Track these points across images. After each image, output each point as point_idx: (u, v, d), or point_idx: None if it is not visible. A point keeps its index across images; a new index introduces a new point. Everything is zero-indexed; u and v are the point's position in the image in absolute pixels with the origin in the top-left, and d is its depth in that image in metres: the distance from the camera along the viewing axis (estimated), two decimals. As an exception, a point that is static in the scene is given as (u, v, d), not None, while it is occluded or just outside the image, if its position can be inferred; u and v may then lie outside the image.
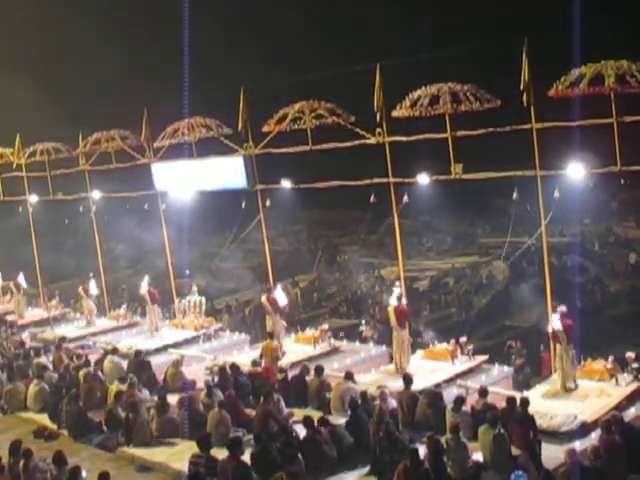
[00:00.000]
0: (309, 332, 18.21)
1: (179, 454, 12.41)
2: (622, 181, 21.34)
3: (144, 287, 20.05)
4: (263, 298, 17.80)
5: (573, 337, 13.39)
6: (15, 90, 39.01)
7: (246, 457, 11.14)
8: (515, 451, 10.72)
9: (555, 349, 13.97)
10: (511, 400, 11.86)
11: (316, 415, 12.31)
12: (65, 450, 11.47)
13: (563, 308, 13.61)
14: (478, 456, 10.86)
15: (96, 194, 23.56)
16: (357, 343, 18.55)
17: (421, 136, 15.72)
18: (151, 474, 12.27)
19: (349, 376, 13.84)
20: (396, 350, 15.22)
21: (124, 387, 14.28)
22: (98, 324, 21.79)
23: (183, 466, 11.68)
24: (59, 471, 10.77)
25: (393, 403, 12.71)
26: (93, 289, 22.26)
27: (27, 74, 41.19)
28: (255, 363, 15.37)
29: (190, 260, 27.00)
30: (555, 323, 13.46)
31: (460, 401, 12.02)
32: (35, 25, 42.77)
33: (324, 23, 44.65)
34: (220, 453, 11.12)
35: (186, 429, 12.94)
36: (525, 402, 11.62)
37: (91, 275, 23.87)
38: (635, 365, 13.40)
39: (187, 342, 19.17)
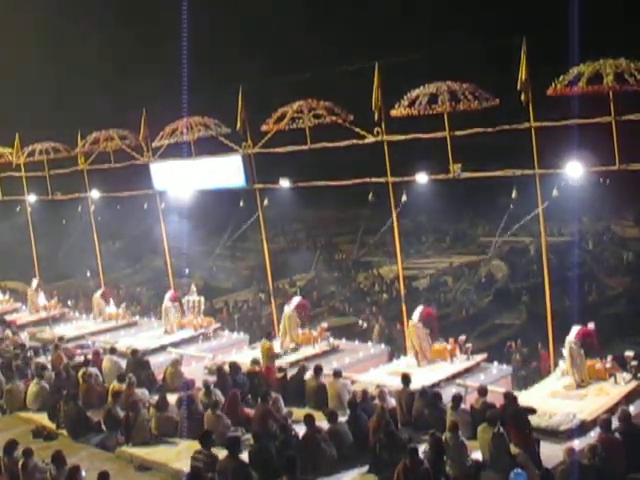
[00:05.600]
0: (308, 331, 18.17)
1: (178, 453, 12.42)
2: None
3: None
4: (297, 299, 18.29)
5: (583, 340, 13.51)
6: (14, 90, 39.01)
7: (244, 456, 11.13)
8: (514, 450, 10.72)
9: (554, 350, 14.05)
10: (508, 395, 11.88)
11: (315, 414, 12.30)
12: (64, 450, 11.44)
13: (591, 325, 13.74)
14: (477, 455, 10.86)
15: (95, 194, 23.57)
16: (356, 342, 18.54)
17: (419, 135, 15.72)
18: (150, 473, 12.26)
19: (338, 374, 13.89)
20: (417, 345, 15.35)
21: (123, 386, 14.29)
22: (97, 324, 21.77)
23: (182, 465, 11.70)
24: (58, 471, 10.75)
25: (392, 402, 12.72)
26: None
27: (26, 74, 41.20)
28: (255, 362, 15.37)
29: (188, 259, 27.01)
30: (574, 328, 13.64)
31: (458, 399, 12.03)
32: (35, 25, 42.75)
33: (323, 22, 44.63)
34: (219, 452, 11.11)
35: (185, 428, 12.94)
36: (512, 399, 11.63)
37: (89, 275, 23.88)
38: (634, 364, 13.41)
39: (186, 341, 19.18)
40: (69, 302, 26.94)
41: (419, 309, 15.82)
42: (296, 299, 18.30)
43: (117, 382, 14.46)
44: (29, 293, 24.20)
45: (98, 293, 22.53)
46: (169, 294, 20.26)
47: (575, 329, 13.59)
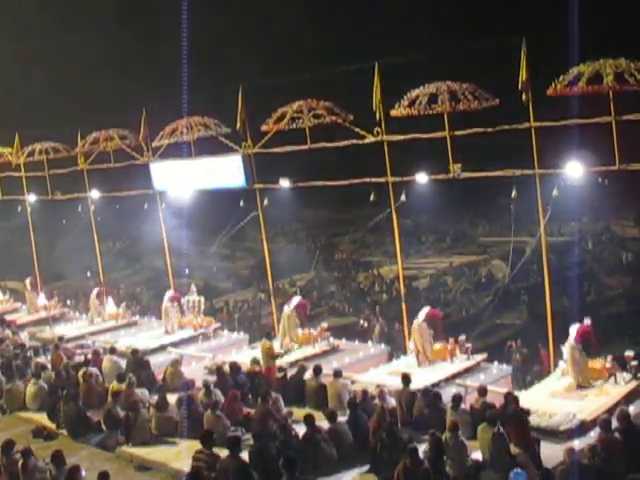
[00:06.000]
0: (308, 331, 18.16)
1: (178, 453, 12.42)
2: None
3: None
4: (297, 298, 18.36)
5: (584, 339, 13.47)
6: (14, 89, 39.02)
7: (244, 456, 11.12)
8: (514, 450, 10.72)
9: (554, 349, 14.05)
10: (508, 396, 11.87)
11: (314, 414, 12.30)
12: (64, 450, 11.44)
13: (588, 321, 13.73)
14: (477, 455, 10.86)
15: (95, 194, 23.56)
16: (356, 342, 18.54)
17: (419, 135, 15.72)
18: (150, 473, 12.26)
19: (338, 374, 13.88)
20: (419, 344, 15.32)
21: (123, 386, 14.29)
22: (97, 324, 21.76)
23: (182, 465, 11.70)
24: (58, 470, 10.75)
25: (392, 402, 12.72)
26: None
27: (26, 73, 41.22)
28: (255, 362, 15.37)
29: (188, 259, 27.01)
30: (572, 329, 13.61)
31: (458, 399, 12.04)
32: (35, 25, 42.78)
33: (323, 22, 44.62)
34: (219, 452, 11.11)
35: (185, 428, 12.94)
36: (513, 399, 11.65)
37: (89, 275, 23.81)
38: (634, 364, 13.41)
39: (186, 341, 19.17)
40: (69, 302, 26.93)
41: (425, 310, 15.77)
42: (296, 299, 18.32)
43: (116, 382, 14.47)
44: (26, 293, 24.18)
45: (94, 294, 22.45)
46: (169, 294, 20.25)
47: (574, 329, 13.57)
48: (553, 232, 32.02)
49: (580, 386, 13.28)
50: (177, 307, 20.02)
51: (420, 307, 16.28)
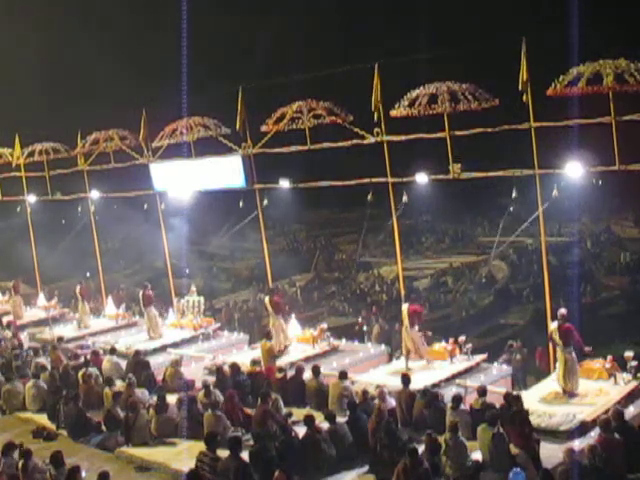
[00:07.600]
0: (308, 331, 18.17)
1: (178, 454, 12.43)
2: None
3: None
4: (266, 299, 17.83)
5: (571, 341, 13.22)
6: (14, 90, 39.03)
7: (244, 456, 11.12)
8: (514, 450, 10.71)
9: (554, 349, 14.02)
10: (508, 396, 11.86)
11: (315, 415, 12.29)
12: (64, 450, 11.43)
13: (563, 311, 13.39)
14: (477, 455, 10.86)
15: (94, 194, 23.56)
16: (356, 342, 18.54)
17: (419, 135, 15.71)
18: (150, 474, 12.26)
19: (344, 375, 13.83)
20: (413, 348, 15.25)
21: (115, 388, 14.28)
22: (97, 324, 21.73)
23: (182, 466, 11.70)
24: (57, 471, 10.74)
25: (392, 402, 12.72)
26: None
27: (26, 74, 41.22)
28: (254, 363, 15.36)
29: (188, 260, 27.03)
30: (552, 325, 13.47)
31: (458, 400, 12.03)
32: (35, 25, 42.78)
33: (323, 22, 44.63)
34: (220, 452, 11.10)
35: (185, 429, 12.94)
36: (514, 399, 11.61)
37: (88, 275, 23.75)
38: (634, 364, 13.39)
39: (186, 342, 19.16)
40: (71, 295, 26.85)
41: (405, 308, 15.36)
42: (266, 299, 17.92)
43: (107, 387, 14.40)
44: (12, 300, 23.87)
45: (77, 290, 22.12)
46: (141, 294, 19.78)
47: (554, 327, 13.33)
48: (553, 232, 32.08)
49: (570, 392, 13.14)
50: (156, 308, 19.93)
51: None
